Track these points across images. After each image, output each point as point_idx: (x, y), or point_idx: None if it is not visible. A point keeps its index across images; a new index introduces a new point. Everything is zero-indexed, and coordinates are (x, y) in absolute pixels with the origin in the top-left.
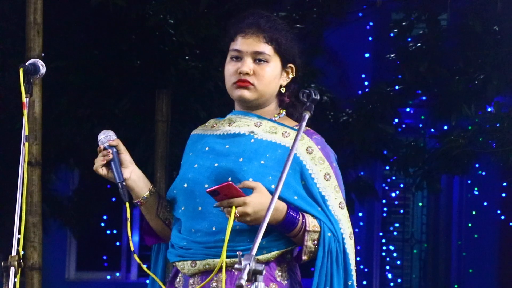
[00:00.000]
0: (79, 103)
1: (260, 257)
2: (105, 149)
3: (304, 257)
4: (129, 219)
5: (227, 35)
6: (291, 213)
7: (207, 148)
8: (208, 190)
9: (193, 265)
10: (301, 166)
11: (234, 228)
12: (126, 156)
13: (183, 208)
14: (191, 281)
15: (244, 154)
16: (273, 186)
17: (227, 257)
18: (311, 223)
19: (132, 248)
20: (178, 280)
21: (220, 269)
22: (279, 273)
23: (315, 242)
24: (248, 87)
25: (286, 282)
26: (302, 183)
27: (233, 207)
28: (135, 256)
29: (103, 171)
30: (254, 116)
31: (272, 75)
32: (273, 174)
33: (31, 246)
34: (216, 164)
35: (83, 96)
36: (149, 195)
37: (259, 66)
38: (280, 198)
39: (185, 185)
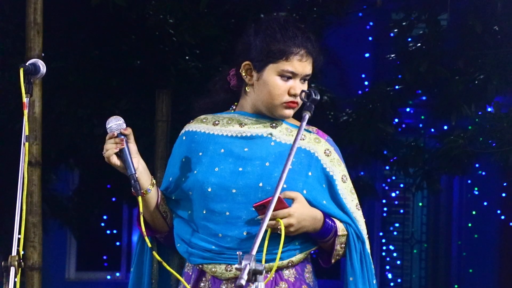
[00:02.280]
0: (79, 103)
1: (293, 258)
2: (116, 136)
3: (333, 260)
4: (141, 213)
5: (270, 49)
6: (328, 221)
7: (222, 150)
8: (255, 205)
9: (228, 269)
10: (323, 169)
11: (249, 235)
12: (133, 146)
13: (204, 212)
14: (224, 286)
15: (268, 158)
16: (305, 192)
17: (266, 261)
18: (340, 228)
19: (150, 245)
20: (203, 285)
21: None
22: (307, 275)
23: (343, 245)
24: (295, 107)
25: (312, 283)
26: (323, 186)
27: (281, 221)
28: (155, 254)
29: (115, 160)
30: (265, 118)
31: None
32: (303, 180)
33: (31, 246)
34: (240, 169)
35: (83, 96)
36: (152, 187)
37: (303, 86)
38: (310, 202)
39: (209, 189)
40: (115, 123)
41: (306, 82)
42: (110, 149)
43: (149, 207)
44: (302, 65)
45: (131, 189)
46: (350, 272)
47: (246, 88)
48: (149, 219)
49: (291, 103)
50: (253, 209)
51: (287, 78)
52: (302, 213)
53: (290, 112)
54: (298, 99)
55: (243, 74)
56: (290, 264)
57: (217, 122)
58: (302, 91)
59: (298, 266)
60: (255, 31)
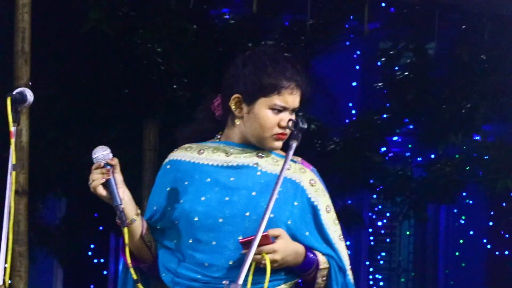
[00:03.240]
0: (66, 132)
1: None
2: (103, 167)
3: None
4: (127, 245)
5: (261, 83)
6: (310, 255)
7: (208, 180)
8: (241, 240)
9: None
10: (308, 199)
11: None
12: (119, 176)
13: (190, 241)
14: None
15: (255, 188)
16: (289, 222)
17: None
18: (322, 261)
19: (135, 277)
20: None
21: None
22: None
23: (324, 278)
24: (284, 139)
25: None
26: (308, 216)
27: (266, 256)
28: (140, 286)
29: (101, 191)
30: (250, 148)
31: None
32: (289, 210)
33: (17, 275)
34: (227, 198)
35: (70, 125)
36: (137, 217)
37: (291, 117)
38: (293, 234)
39: (196, 219)
40: (102, 153)
41: (294, 113)
42: (96, 180)
43: (134, 237)
44: (292, 98)
45: (116, 219)
46: None
47: (236, 120)
48: (134, 249)
49: (280, 135)
50: (239, 242)
51: (277, 111)
52: (286, 249)
53: (279, 144)
54: (287, 130)
55: (233, 106)
56: None
57: (202, 151)
58: (289, 120)
59: None
60: (243, 63)
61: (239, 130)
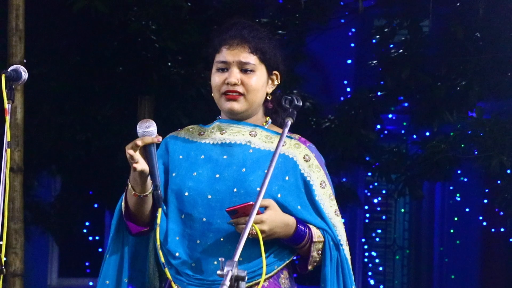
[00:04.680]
0: (61, 109)
1: (272, 273)
2: (146, 145)
3: (309, 267)
4: (158, 225)
5: (211, 46)
6: (301, 227)
7: (202, 157)
8: (228, 209)
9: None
10: (301, 174)
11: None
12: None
13: (182, 216)
14: None
15: (245, 164)
16: (279, 196)
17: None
18: (316, 234)
19: (163, 260)
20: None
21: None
22: (283, 281)
23: (320, 252)
24: (237, 99)
25: None
26: (301, 191)
27: (255, 226)
28: (166, 270)
29: (145, 166)
30: (246, 125)
31: (259, 84)
32: (279, 184)
33: (12, 252)
34: (217, 175)
35: (65, 102)
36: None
37: (246, 76)
38: (284, 207)
39: (186, 194)
40: (147, 127)
41: (252, 73)
42: (137, 155)
43: (145, 207)
44: (232, 53)
45: (153, 197)
46: (322, 279)
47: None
48: (143, 219)
49: (228, 92)
50: (226, 210)
51: (222, 71)
52: (274, 220)
53: (232, 104)
54: (240, 89)
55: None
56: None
57: (202, 132)
58: (285, 97)
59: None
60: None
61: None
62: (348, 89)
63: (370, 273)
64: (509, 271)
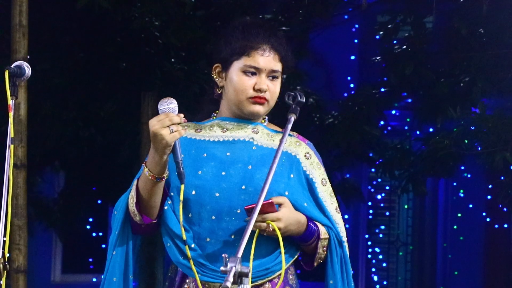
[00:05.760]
0: (64, 105)
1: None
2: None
3: (315, 263)
4: (181, 202)
5: (232, 47)
6: (311, 225)
7: (205, 155)
8: (247, 207)
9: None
10: (303, 172)
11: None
12: None
13: (190, 215)
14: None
15: (251, 161)
16: (286, 193)
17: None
18: (322, 231)
19: (185, 237)
20: (187, 286)
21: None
22: (290, 277)
23: (325, 248)
24: (263, 103)
25: (295, 285)
26: (305, 188)
27: (273, 223)
28: (191, 263)
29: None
30: (247, 123)
31: (279, 89)
32: (285, 182)
33: (16, 248)
34: (223, 173)
35: (68, 99)
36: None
37: (272, 83)
38: (292, 204)
39: (193, 192)
40: (169, 105)
41: (277, 80)
42: (177, 132)
43: (159, 193)
44: (265, 60)
45: (177, 175)
46: (330, 275)
47: (218, 90)
48: (154, 205)
49: (257, 98)
50: (245, 210)
51: (251, 74)
52: (289, 218)
53: (258, 108)
54: (267, 96)
55: (215, 76)
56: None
57: (199, 129)
58: (288, 93)
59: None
60: (222, 35)
61: (226, 102)
62: (352, 85)
63: (373, 269)
64: None
